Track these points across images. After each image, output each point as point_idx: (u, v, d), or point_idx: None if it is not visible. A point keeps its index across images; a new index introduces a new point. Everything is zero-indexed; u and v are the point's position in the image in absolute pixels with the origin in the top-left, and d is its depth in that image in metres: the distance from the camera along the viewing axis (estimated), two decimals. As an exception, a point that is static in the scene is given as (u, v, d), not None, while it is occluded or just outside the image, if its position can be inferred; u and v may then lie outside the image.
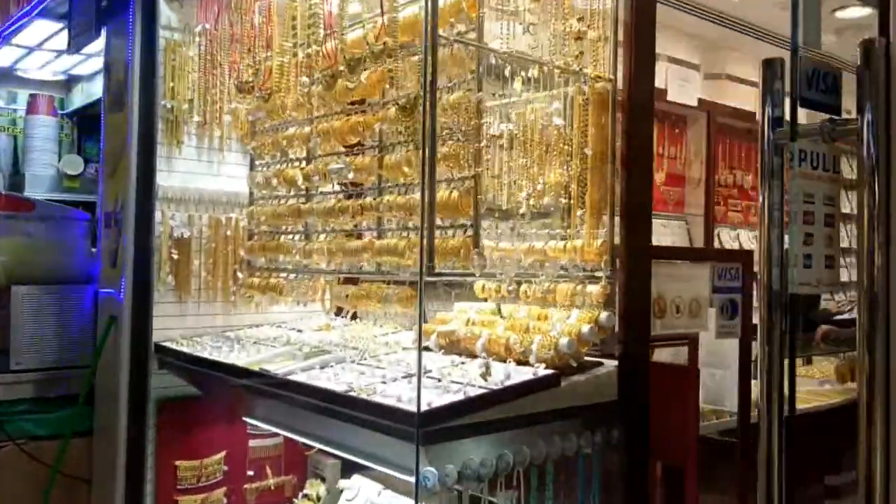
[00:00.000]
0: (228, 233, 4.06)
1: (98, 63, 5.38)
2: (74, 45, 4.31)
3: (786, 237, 2.24)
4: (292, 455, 4.19)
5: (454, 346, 3.02)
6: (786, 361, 2.28)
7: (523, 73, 2.78)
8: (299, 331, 3.93)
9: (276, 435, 4.07)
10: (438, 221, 2.78)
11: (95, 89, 5.63)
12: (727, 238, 6.34)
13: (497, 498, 2.57)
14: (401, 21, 2.79)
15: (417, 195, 2.81)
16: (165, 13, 3.90)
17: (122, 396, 3.74)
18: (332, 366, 2.98)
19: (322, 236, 3.44)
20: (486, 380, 2.49)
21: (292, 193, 3.62)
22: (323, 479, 4.08)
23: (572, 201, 2.79)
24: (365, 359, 3.07)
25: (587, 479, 2.71)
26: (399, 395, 2.42)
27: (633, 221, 2.83)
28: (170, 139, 3.95)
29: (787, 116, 2.23)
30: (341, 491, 3.68)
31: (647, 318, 2.89)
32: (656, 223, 5.26)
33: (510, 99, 2.83)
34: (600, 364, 2.83)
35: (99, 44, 4.18)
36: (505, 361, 2.69)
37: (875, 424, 1.99)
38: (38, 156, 6.18)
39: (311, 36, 3.15)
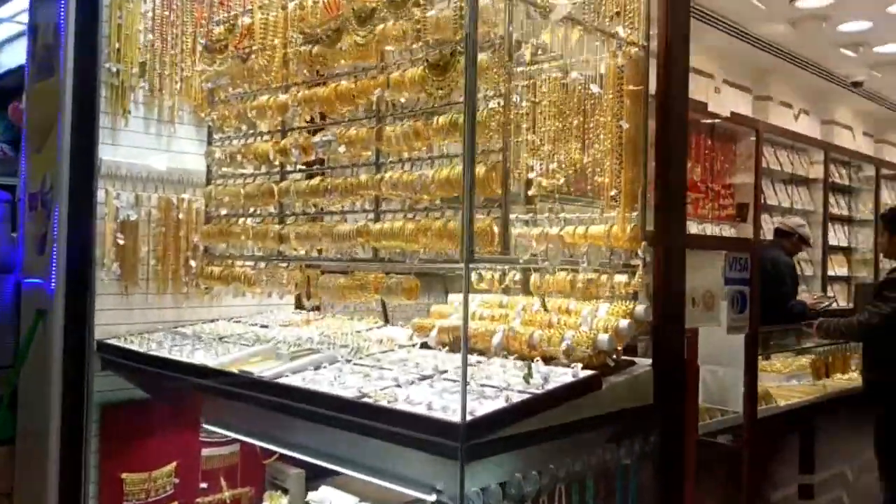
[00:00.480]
0: (181, 216, 3.62)
1: (9, 29, 4.82)
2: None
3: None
4: (249, 464, 3.77)
5: (459, 343, 2.68)
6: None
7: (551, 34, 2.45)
8: (264, 326, 3.51)
9: (232, 442, 3.67)
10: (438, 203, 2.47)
11: (5, 59, 5.20)
12: (695, 232, 6.19)
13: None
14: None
15: (427, 171, 2.45)
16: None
17: (53, 400, 3.37)
18: (325, 367, 2.59)
19: (301, 219, 3.02)
20: (528, 382, 2.15)
21: (263, 171, 3.18)
22: (285, 491, 3.67)
23: (606, 179, 2.48)
24: (361, 358, 2.70)
25: (625, 493, 2.40)
26: (429, 401, 2.06)
27: (669, 209, 2.57)
28: (115, 108, 3.48)
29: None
30: (307, 505, 3.28)
31: (683, 315, 2.63)
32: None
33: (540, 65, 2.49)
34: (633, 363, 2.54)
35: (16, 4, 3.67)
36: (533, 361, 2.36)
37: None
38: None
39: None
